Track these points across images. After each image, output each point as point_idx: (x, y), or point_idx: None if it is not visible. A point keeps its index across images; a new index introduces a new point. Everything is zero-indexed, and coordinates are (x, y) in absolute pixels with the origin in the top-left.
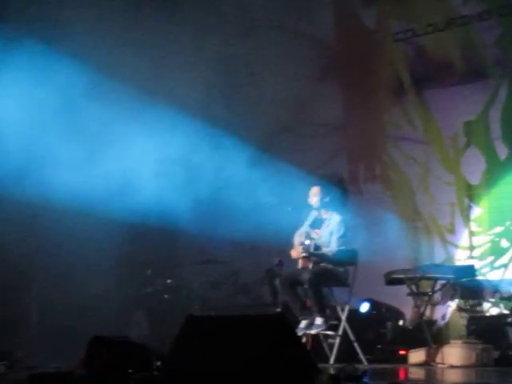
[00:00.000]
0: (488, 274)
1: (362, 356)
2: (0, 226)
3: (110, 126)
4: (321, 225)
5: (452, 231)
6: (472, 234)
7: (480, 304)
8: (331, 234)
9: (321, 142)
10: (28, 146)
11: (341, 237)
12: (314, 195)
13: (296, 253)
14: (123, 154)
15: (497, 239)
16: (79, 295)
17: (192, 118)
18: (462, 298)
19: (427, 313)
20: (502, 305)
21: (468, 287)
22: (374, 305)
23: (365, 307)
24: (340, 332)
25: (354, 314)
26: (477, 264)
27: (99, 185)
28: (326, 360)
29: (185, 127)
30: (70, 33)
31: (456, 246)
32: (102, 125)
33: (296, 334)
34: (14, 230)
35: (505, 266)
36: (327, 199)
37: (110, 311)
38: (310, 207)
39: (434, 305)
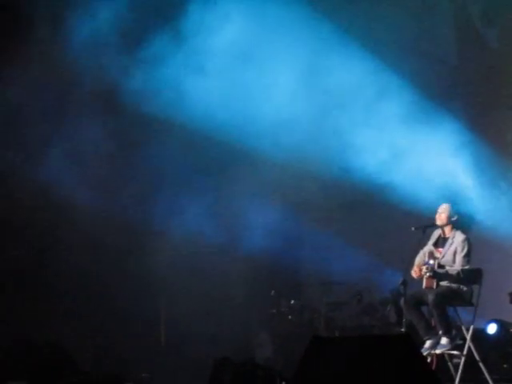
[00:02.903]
0: None
1: (487, 376)
2: (125, 260)
3: None
4: (444, 244)
5: None
6: None
7: None
8: (455, 252)
9: (447, 161)
10: None
11: (465, 255)
12: (443, 212)
13: (416, 273)
14: None
15: None
16: (204, 318)
17: None
18: None
19: None
20: None
21: None
22: (502, 325)
23: (492, 328)
24: (465, 352)
25: (479, 334)
26: None
27: None
28: (452, 380)
29: None
30: None
31: None
32: None
33: (422, 354)
34: (143, 260)
35: None
36: (455, 218)
37: (234, 333)
38: (433, 227)
39: None
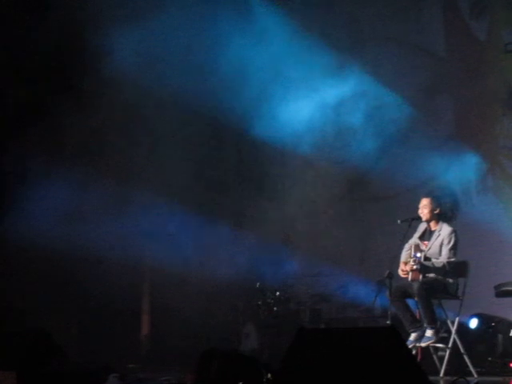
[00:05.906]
0: None
1: (472, 369)
2: (109, 255)
3: None
4: (430, 237)
5: None
6: None
7: None
8: (441, 245)
9: (433, 153)
10: None
11: (451, 248)
12: (425, 207)
13: (403, 272)
14: None
15: None
16: (189, 309)
17: None
18: None
19: None
20: None
21: None
22: (484, 319)
23: (474, 323)
24: (450, 344)
25: (464, 327)
26: None
27: None
28: (436, 373)
29: None
30: None
31: None
32: None
33: (407, 346)
34: (124, 257)
35: None
36: (437, 211)
37: (220, 324)
38: (419, 220)
39: None
